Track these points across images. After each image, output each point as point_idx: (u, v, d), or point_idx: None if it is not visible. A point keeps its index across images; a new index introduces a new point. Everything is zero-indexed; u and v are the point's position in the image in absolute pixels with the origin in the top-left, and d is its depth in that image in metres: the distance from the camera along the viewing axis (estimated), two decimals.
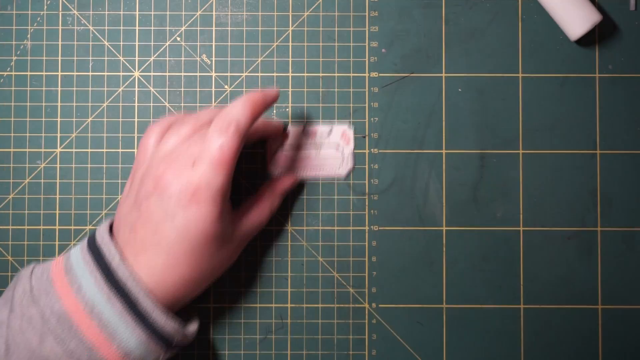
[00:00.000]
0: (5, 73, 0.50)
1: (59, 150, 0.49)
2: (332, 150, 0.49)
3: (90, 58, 0.50)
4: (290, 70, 0.50)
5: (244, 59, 0.50)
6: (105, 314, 0.40)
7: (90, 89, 0.50)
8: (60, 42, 0.50)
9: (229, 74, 0.50)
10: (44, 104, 0.50)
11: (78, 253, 0.42)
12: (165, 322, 0.41)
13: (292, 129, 0.49)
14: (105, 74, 0.50)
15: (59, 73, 0.50)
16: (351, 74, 0.50)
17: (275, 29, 0.50)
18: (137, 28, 0.50)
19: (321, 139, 0.49)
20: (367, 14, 0.50)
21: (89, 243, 0.42)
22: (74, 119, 0.50)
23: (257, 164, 0.50)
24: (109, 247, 0.42)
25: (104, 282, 0.40)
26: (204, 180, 0.41)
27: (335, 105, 0.50)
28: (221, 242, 0.43)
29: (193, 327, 0.44)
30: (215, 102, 0.50)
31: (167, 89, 0.50)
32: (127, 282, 0.41)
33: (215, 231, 0.41)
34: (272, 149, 0.49)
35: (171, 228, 0.41)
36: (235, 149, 0.41)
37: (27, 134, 0.50)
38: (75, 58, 0.50)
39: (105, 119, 0.50)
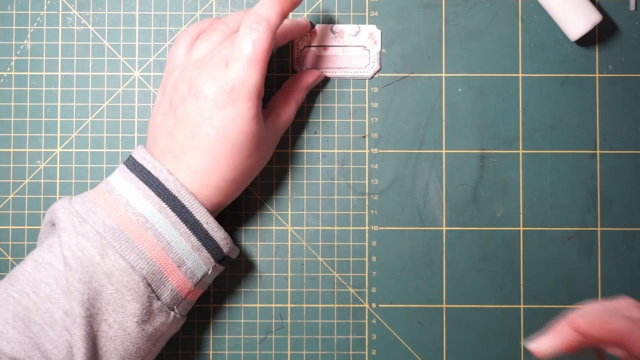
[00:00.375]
0: (5, 73, 0.50)
1: (59, 150, 0.49)
2: (359, 50, 0.49)
3: (90, 58, 0.50)
4: (290, 71, 0.50)
5: None
6: (159, 225, 0.41)
7: (90, 89, 0.50)
8: (60, 42, 0.50)
9: None
10: (44, 104, 0.50)
11: (118, 175, 0.43)
12: (216, 229, 0.43)
13: (319, 28, 0.50)
14: (105, 74, 0.50)
15: (59, 73, 0.50)
16: (350, 79, 0.50)
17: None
18: (137, 28, 0.50)
19: (348, 39, 0.49)
20: (367, 14, 0.50)
21: (127, 166, 0.43)
22: (74, 119, 0.50)
23: (289, 57, 0.50)
24: (154, 164, 0.42)
25: (154, 195, 0.41)
26: (239, 78, 0.41)
27: (335, 105, 0.50)
28: (258, 141, 0.43)
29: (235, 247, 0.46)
30: None
31: None
32: (178, 194, 0.41)
33: (253, 130, 0.42)
34: (299, 48, 0.49)
35: (210, 129, 0.41)
36: (267, 45, 0.42)
37: (27, 134, 0.50)
38: (75, 58, 0.50)
39: (105, 119, 0.50)
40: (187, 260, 0.42)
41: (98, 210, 0.41)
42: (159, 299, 0.41)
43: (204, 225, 0.42)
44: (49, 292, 0.39)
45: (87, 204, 0.41)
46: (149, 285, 0.41)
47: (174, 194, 0.41)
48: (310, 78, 0.48)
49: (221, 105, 0.41)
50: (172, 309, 0.42)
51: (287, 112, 0.47)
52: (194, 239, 0.42)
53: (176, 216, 0.41)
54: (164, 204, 0.41)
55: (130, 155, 0.44)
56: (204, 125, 0.42)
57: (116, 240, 0.40)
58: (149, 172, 0.42)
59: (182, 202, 0.42)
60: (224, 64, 0.42)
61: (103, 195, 0.42)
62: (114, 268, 0.40)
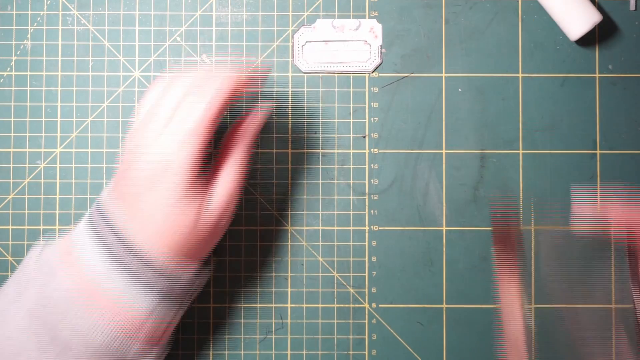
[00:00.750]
0: (5, 73, 0.50)
1: (59, 150, 0.49)
2: (360, 44, 0.49)
3: (90, 58, 0.50)
4: (290, 70, 0.50)
5: (244, 59, 0.50)
6: (114, 285, 0.39)
7: (90, 89, 0.50)
8: (60, 42, 0.50)
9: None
10: (44, 104, 0.50)
11: (81, 229, 0.41)
12: (178, 277, 0.41)
13: (320, 23, 0.49)
14: (105, 74, 0.50)
15: (59, 73, 0.50)
16: (351, 74, 0.50)
17: (275, 28, 0.50)
18: (137, 28, 0.50)
19: (349, 34, 0.49)
20: (367, 13, 0.50)
21: (90, 217, 0.41)
22: (74, 119, 0.50)
23: (289, 54, 0.50)
24: (110, 214, 0.40)
25: (108, 257, 0.39)
26: (166, 156, 0.39)
27: (335, 105, 0.50)
28: (196, 217, 0.40)
29: (205, 272, 0.44)
30: None
31: None
32: (133, 247, 0.40)
33: (185, 206, 0.39)
34: (300, 43, 0.48)
35: (149, 198, 0.39)
36: (208, 122, 0.39)
37: (27, 134, 0.50)
38: (75, 58, 0.50)
39: (105, 119, 0.50)
40: (153, 312, 0.40)
41: (61, 268, 0.40)
42: (128, 354, 0.40)
43: (163, 276, 0.40)
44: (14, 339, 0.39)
45: (54, 259, 0.40)
46: (114, 345, 0.39)
47: (126, 252, 0.40)
48: (251, 125, 0.44)
49: (154, 180, 0.39)
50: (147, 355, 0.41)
51: (227, 185, 0.42)
52: (153, 294, 0.40)
53: (129, 276, 0.40)
54: (115, 266, 0.40)
55: (96, 203, 0.42)
56: (144, 194, 0.40)
57: (75, 303, 0.39)
58: (108, 222, 0.40)
59: (139, 257, 0.40)
60: (158, 134, 0.39)
61: (67, 252, 0.40)
62: (72, 339, 0.39)
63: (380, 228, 0.49)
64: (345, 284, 0.49)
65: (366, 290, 0.49)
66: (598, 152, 0.49)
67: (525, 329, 0.42)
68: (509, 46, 0.50)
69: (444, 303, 0.49)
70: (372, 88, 0.50)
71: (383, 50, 0.50)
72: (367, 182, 0.50)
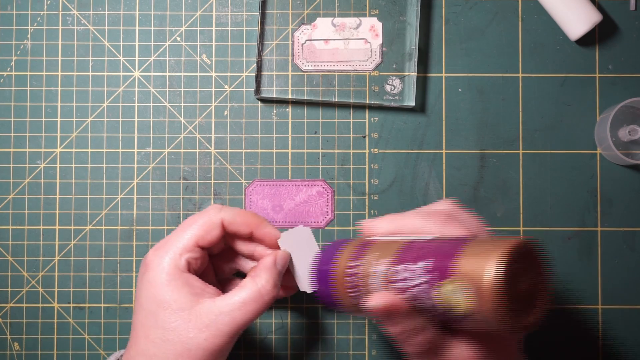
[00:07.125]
0: (5, 73, 0.50)
1: (59, 150, 0.50)
2: (360, 43, 0.49)
3: (90, 58, 0.50)
4: (290, 69, 0.50)
5: (244, 58, 0.50)
6: None
7: (90, 89, 0.50)
8: (60, 42, 0.50)
9: (229, 73, 0.50)
10: (44, 104, 0.50)
11: None
12: None
13: (320, 22, 0.49)
14: (105, 74, 0.50)
15: (59, 73, 0.50)
16: (351, 73, 0.50)
17: (275, 27, 0.50)
18: (137, 28, 0.50)
19: (349, 32, 0.49)
20: (367, 12, 0.50)
21: None
22: (74, 119, 0.50)
23: (289, 52, 0.50)
24: None
25: None
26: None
27: (335, 105, 0.50)
28: (176, 309, 0.37)
29: None
30: (215, 102, 0.50)
31: (167, 89, 0.50)
32: None
33: (164, 296, 0.37)
34: (300, 42, 0.47)
35: (135, 304, 0.40)
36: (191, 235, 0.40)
37: (27, 134, 0.50)
38: (75, 58, 0.50)
39: (105, 119, 0.50)
40: None
41: None
42: None
43: None
44: None
45: None
46: None
47: None
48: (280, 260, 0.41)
49: (140, 274, 0.39)
50: None
51: (242, 299, 0.38)
52: None
53: None
54: None
55: None
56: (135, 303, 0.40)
57: None
58: None
59: None
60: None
61: None
62: None
63: None
64: None
65: None
66: (598, 152, 0.49)
67: None
68: (509, 46, 0.50)
69: None
70: (372, 87, 0.50)
71: (384, 49, 0.50)
72: (367, 182, 0.50)
